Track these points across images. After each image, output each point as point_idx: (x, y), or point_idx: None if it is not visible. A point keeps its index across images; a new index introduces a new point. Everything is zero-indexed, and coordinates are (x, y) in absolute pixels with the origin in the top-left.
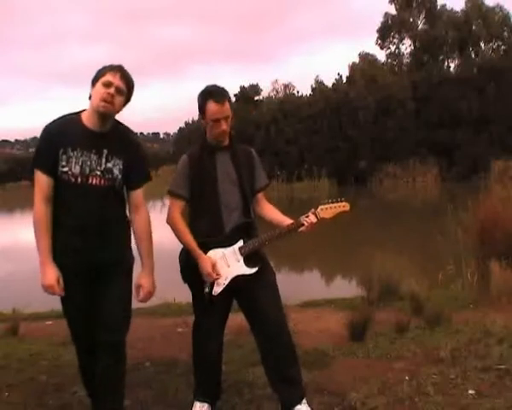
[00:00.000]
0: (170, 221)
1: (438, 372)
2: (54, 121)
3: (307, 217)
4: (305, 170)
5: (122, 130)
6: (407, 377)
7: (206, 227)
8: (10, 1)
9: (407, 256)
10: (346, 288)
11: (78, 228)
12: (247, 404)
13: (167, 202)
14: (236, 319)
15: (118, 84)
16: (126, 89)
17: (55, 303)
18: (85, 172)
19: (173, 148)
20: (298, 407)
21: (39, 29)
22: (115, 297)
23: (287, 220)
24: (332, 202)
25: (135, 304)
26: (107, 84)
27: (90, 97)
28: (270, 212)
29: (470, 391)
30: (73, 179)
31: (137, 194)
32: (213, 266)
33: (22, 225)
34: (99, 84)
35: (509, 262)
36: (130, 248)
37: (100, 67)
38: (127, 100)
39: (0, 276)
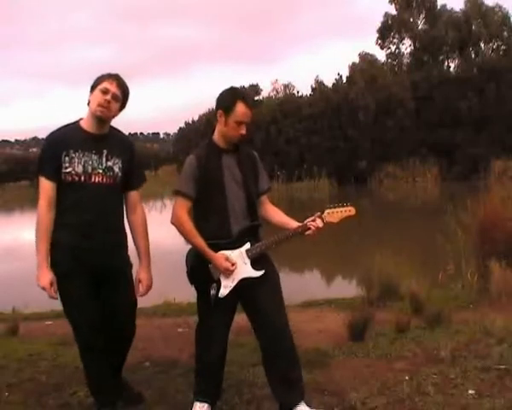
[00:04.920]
0: (176, 221)
1: (438, 372)
2: (55, 130)
3: (313, 221)
4: (305, 170)
5: (118, 134)
6: (407, 377)
7: (213, 228)
8: (14, 2)
9: (407, 256)
10: (346, 288)
11: (83, 226)
12: (247, 404)
13: (167, 201)
14: (236, 319)
15: (114, 91)
16: (122, 96)
17: (54, 303)
18: (88, 171)
19: (173, 148)
20: (297, 407)
21: (40, 29)
22: (126, 310)
23: (292, 223)
24: (338, 206)
25: None
26: (105, 91)
27: (88, 103)
28: (275, 214)
29: (470, 391)
30: (77, 178)
31: (135, 194)
32: (227, 259)
33: (22, 225)
34: (97, 91)
35: (509, 262)
36: (127, 252)
37: (102, 67)
38: (122, 106)
39: (0, 276)
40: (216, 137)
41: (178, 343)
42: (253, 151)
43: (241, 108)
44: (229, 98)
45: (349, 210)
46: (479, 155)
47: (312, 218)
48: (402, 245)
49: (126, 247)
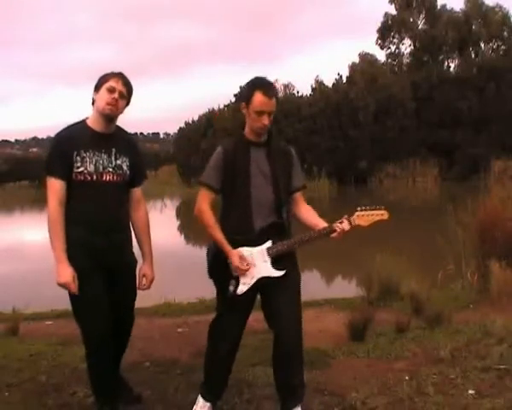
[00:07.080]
0: (197, 212)
1: (438, 372)
2: (63, 130)
3: (341, 223)
4: (305, 170)
5: (123, 132)
6: (407, 377)
7: (235, 223)
8: (14, 2)
9: (407, 256)
10: (346, 288)
11: (95, 224)
12: (247, 404)
13: (167, 201)
14: None
15: (120, 89)
16: (127, 93)
17: (54, 303)
18: (99, 170)
19: (173, 148)
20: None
21: (41, 30)
22: (129, 304)
23: (321, 224)
24: (370, 209)
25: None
26: (111, 90)
27: (93, 102)
28: (306, 213)
29: (470, 391)
30: (89, 177)
31: (138, 191)
32: (241, 258)
33: (22, 225)
34: (103, 90)
35: (509, 262)
36: (132, 247)
37: (102, 67)
38: (127, 103)
39: (0, 276)
40: (246, 130)
41: (178, 343)
42: (289, 147)
43: (258, 98)
44: (248, 89)
45: (381, 214)
46: (479, 155)
47: (340, 220)
48: (402, 245)
49: (132, 243)
